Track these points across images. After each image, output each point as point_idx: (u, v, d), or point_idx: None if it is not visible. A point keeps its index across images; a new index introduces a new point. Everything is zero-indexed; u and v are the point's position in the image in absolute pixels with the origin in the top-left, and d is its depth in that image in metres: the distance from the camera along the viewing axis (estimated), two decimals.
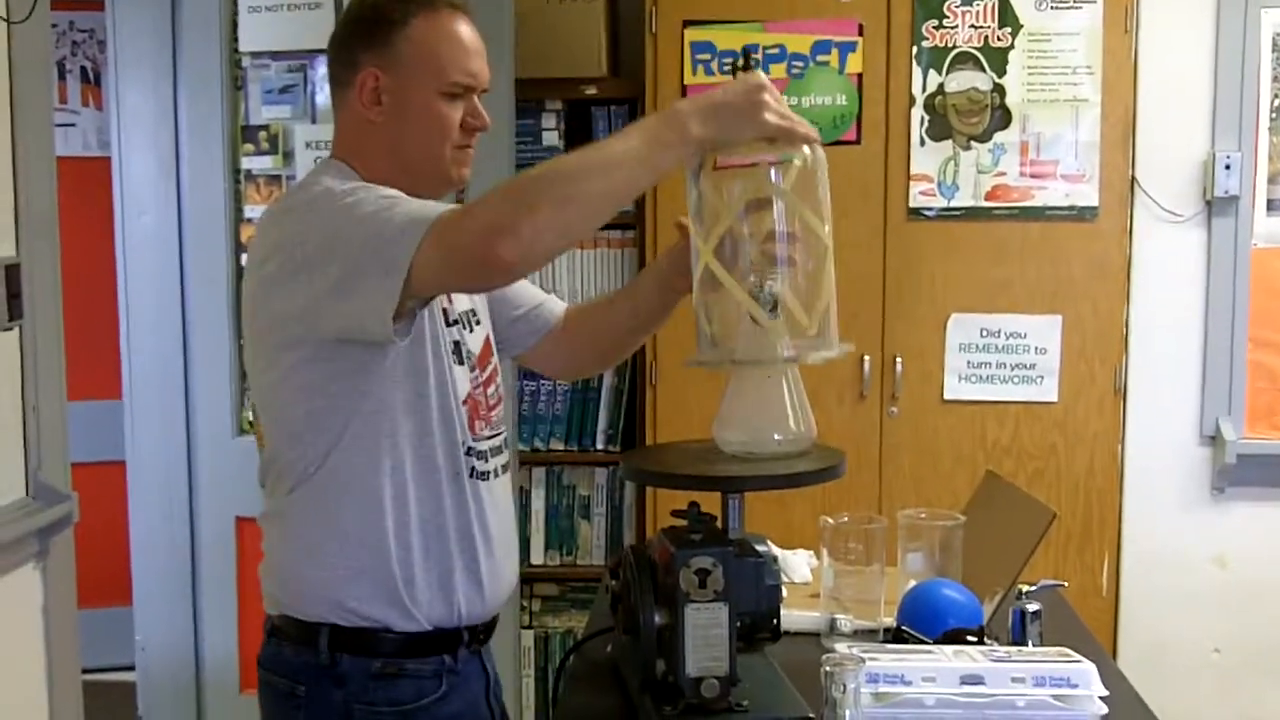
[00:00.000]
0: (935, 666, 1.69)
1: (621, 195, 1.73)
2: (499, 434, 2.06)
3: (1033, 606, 2.00)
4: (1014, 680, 1.67)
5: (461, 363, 1.99)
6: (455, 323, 2.01)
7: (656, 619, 1.75)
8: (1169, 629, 3.87)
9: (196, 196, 3.96)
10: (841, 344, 1.83)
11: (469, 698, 2.02)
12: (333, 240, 1.77)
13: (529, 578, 4.04)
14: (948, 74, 3.64)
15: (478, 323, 2.08)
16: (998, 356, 3.66)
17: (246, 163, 3.94)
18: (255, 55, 3.91)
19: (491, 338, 2.12)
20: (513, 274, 1.78)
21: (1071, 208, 3.63)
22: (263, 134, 3.92)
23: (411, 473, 1.91)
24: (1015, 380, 3.66)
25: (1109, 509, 3.71)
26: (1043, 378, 3.66)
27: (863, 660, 1.50)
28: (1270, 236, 3.83)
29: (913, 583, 2.15)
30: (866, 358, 3.66)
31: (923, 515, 2.24)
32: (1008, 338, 3.65)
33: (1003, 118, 3.64)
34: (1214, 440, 3.85)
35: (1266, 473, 3.83)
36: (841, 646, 1.81)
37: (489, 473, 2.01)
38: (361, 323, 1.77)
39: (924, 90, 3.65)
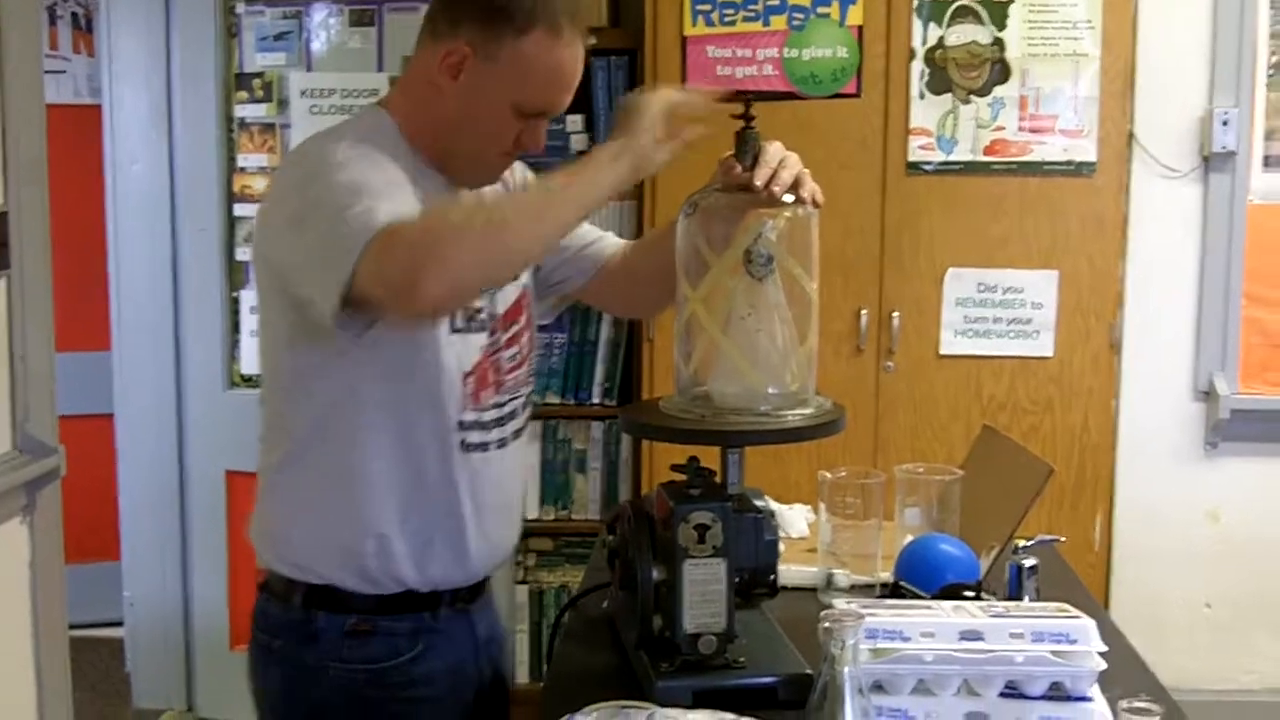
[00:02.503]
0: (934, 622, 1.68)
1: (555, 236, 1.79)
2: (515, 398, 2.01)
3: (1029, 562, 1.99)
4: (1013, 636, 1.66)
5: (479, 329, 1.93)
6: None
7: (654, 574, 1.74)
8: (1161, 584, 3.89)
9: (188, 145, 3.93)
10: (819, 398, 1.81)
11: (450, 658, 1.99)
12: (307, 212, 1.73)
13: (523, 532, 4.00)
14: (948, 27, 3.60)
15: (514, 276, 1.98)
16: (994, 311, 3.64)
17: (240, 111, 3.92)
18: (249, 1, 3.87)
19: (530, 289, 2.06)
20: (438, 312, 1.78)
21: (1069, 163, 3.61)
22: (256, 81, 3.88)
23: (393, 449, 1.87)
24: (1011, 335, 3.65)
25: (1103, 464, 3.70)
26: (1039, 332, 3.65)
27: (862, 616, 1.48)
28: (1267, 192, 3.82)
29: (910, 537, 2.14)
30: (863, 312, 3.65)
31: (920, 470, 2.23)
32: (1004, 292, 3.63)
33: (1002, 72, 3.60)
34: (1208, 395, 3.85)
35: (1260, 428, 3.85)
36: (839, 601, 1.80)
37: (488, 444, 1.95)
38: (312, 304, 1.73)
39: (924, 43, 3.61)
